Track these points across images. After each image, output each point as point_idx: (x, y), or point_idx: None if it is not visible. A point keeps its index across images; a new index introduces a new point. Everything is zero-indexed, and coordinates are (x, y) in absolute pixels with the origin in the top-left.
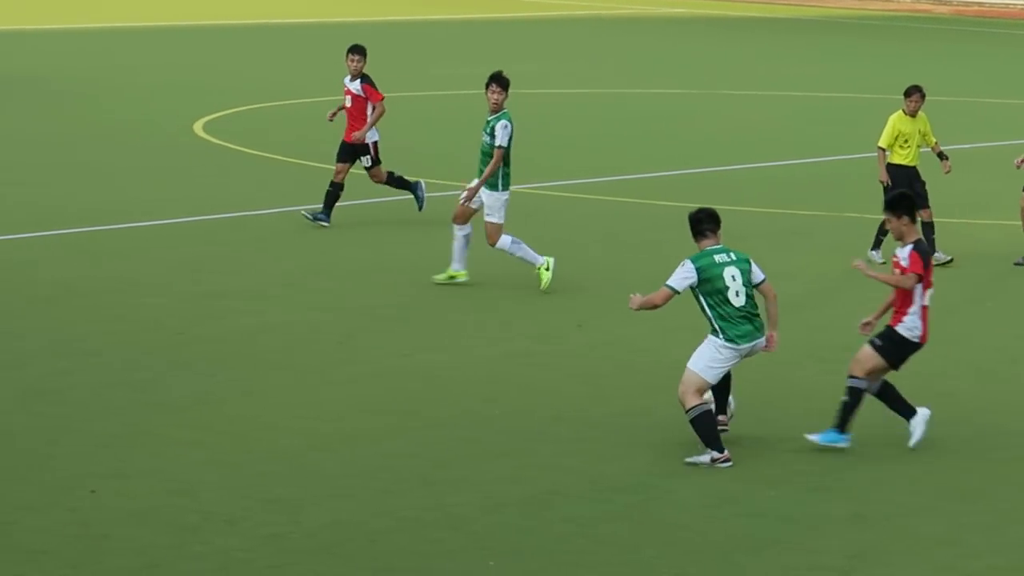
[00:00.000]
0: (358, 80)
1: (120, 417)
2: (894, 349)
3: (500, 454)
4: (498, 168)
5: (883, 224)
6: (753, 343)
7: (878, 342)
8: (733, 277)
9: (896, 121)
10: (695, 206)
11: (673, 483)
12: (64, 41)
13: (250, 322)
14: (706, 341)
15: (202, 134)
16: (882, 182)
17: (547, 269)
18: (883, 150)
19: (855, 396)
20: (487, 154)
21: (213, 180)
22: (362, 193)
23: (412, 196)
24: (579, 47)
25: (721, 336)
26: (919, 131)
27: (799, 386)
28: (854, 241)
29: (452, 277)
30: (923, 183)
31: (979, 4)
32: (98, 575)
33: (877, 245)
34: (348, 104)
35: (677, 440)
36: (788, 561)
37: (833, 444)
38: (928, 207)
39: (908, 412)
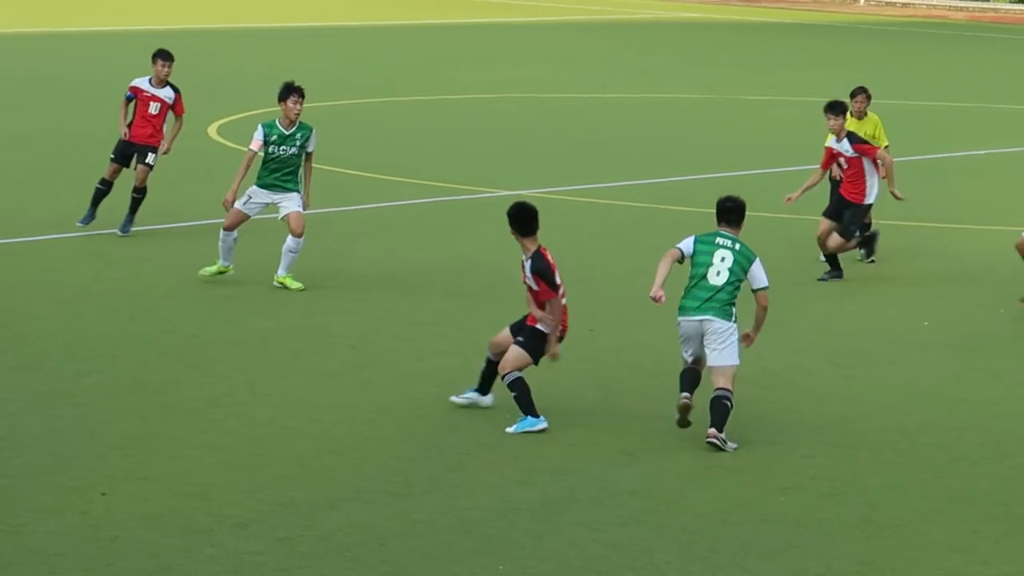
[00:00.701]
0: (168, 87)
1: (134, 420)
2: (535, 344)
3: (513, 458)
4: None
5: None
6: (701, 318)
7: (520, 339)
8: (723, 259)
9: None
10: (707, 211)
11: (686, 488)
12: (81, 43)
13: (265, 325)
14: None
15: (216, 137)
16: (834, 176)
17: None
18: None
19: (517, 387)
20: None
21: (228, 183)
22: (377, 197)
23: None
24: (584, 53)
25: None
26: (865, 132)
27: (812, 392)
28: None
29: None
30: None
31: (994, 10)
32: None
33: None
34: (154, 111)
35: (691, 445)
36: (800, 566)
37: (531, 429)
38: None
39: (484, 390)
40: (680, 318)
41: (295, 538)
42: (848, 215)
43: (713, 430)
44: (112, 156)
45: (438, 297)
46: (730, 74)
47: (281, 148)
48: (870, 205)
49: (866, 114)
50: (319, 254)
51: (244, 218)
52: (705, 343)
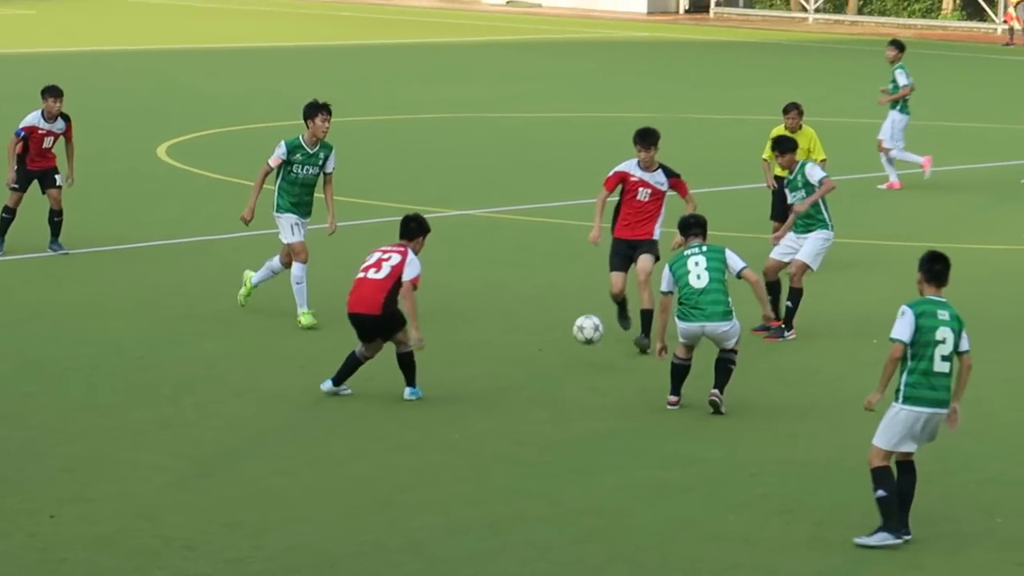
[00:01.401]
0: (60, 120)
1: (83, 442)
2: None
3: (461, 478)
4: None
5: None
6: (702, 324)
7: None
8: (696, 263)
9: (775, 135)
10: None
11: (635, 506)
12: (21, 65)
13: (214, 347)
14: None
15: (165, 158)
16: (768, 186)
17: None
18: (766, 161)
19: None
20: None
21: (177, 204)
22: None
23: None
24: (531, 71)
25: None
26: (801, 146)
27: (761, 410)
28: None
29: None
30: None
31: (942, 28)
32: None
33: None
34: (48, 144)
35: (640, 463)
36: None
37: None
38: None
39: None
40: (679, 323)
41: (244, 559)
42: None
43: (716, 390)
44: (15, 186)
45: None
46: (681, 92)
47: (304, 168)
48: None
49: (800, 127)
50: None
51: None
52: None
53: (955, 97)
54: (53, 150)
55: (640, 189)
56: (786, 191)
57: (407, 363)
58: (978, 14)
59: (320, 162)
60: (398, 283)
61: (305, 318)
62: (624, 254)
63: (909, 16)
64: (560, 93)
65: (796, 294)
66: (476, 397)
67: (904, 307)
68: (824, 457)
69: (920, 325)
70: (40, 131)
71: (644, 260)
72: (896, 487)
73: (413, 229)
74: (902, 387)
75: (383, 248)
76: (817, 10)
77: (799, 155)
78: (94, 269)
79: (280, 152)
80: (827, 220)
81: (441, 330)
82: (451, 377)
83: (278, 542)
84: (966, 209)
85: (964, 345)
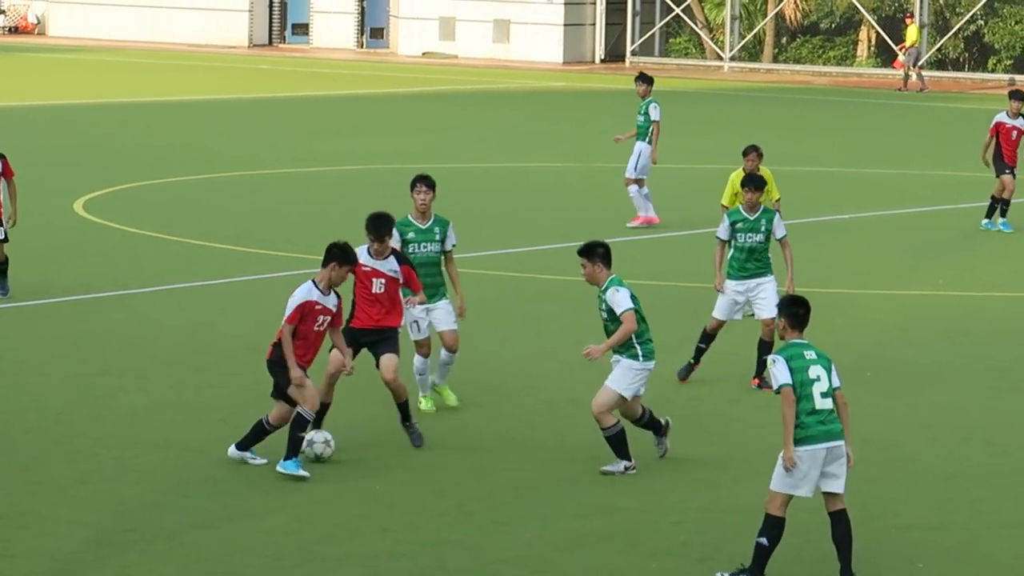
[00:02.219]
0: None
1: (2, 497)
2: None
3: (383, 529)
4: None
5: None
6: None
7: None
8: (600, 308)
9: (734, 179)
10: (571, 279)
11: (557, 556)
12: None
13: (132, 401)
14: (622, 365)
15: (82, 212)
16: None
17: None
18: (725, 207)
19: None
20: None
21: (94, 259)
22: (244, 270)
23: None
24: (462, 122)
25: (641, 357)
26: None
27: (682, 459)
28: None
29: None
30: None
31: (857, 75)
32: None
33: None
34: None
35: (560, 513)
36: None
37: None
38: None
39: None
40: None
41: None
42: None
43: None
44: None
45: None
46: (596, 141)
47: (421, 246)
48: None
49: (758, 170)
50: (186, 329)
51: (428, 339)
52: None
53: (868, 143)
54: None
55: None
56: (736, 230)
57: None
58: (892, 61)
59: (437, 238)
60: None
61: (425, 403)
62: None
63: (824, 64)
64: (477, 143)
65: (769, 347)
66: (397, 448)
67: (774, 356)
68: (744, 504)
69: (793, 367)
70: None
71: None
72: (832, 534)
73: (325, 255)
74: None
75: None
76: (732, 58)
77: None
78: (10, 325)
79: (394, 238)
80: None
81: (358, 380)
82: (371, 429)
83: None
84: (879, 255)
85: (836, 382)
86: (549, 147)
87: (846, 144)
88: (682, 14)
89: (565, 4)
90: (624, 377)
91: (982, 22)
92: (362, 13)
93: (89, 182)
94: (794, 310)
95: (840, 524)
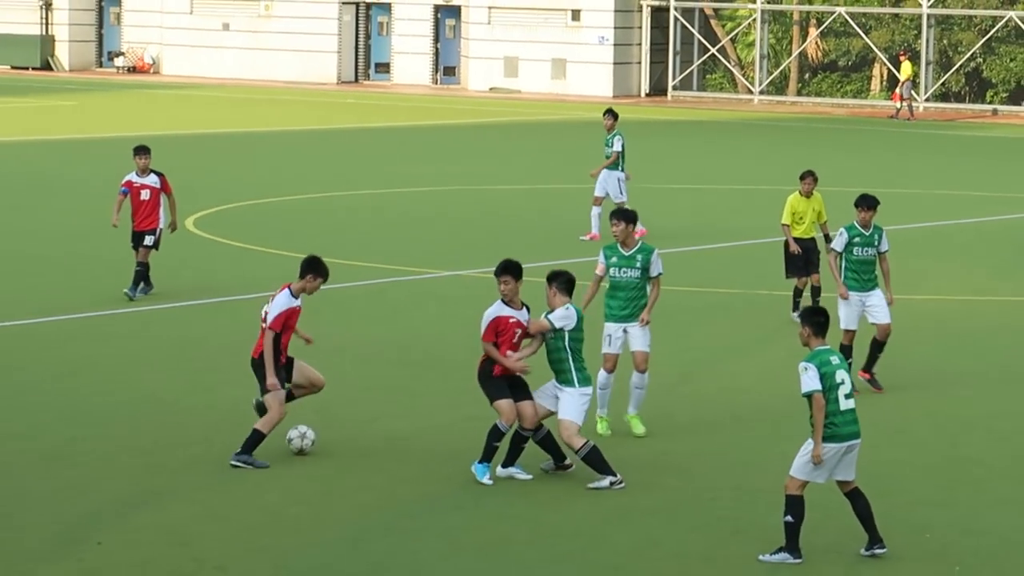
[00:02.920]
0: (152, 175)
1: (125, 479)
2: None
3: (456, 507)
4: None
5: (796, 289)
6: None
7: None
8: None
9: (792, 201)
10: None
11: (607, 529)
12: (67, 149)
13: (236, 394)
14: (567, 394)
15: (193, 229)
16: (793, 252)
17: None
18: (786, 225)
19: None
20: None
21: (202, 269)
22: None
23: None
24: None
25: (577, 384)
26: (813, 209)
27: (718, 442)
28: (766, 313)
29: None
30: (818, 252)
31: (871, 106)
32: None
33: (796, 308)
34: (146, 197)
35: (610, 491)
36: None
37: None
38: (818, 273)
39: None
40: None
41: None
42: None
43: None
44: (132, 244)
45: (388, 366)
46: (641, 164)
47: (622, 271)
48: None
49: (812, 194)
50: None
51: (615, 357)
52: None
53: (881, 165)
54: (156, 208)
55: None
56: (853, 244)
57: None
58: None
59: (638, 265)
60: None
61: (601, 424)
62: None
63: (842, 96)
64: (538, 166)
65: (882, 346)
66: (472, 437)
67: (804, 363)
68: (772, 484)
69: (823, 373)
70: (135, 184)
71: None
72: (854, 510)
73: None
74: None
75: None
76: (762, 92)
77: (809, 216)
78: (130, 327)
79: (600, 260)
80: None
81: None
82: (464, 428)
83: (296, 564)
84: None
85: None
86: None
87: (861, 166)
88: (717, 53)
89: (615, 45)
90: (572, 405)
91: (981, 59)
92: (436, 54)
93: (199, 202)
94: (816, 319)
95: (859, 500)
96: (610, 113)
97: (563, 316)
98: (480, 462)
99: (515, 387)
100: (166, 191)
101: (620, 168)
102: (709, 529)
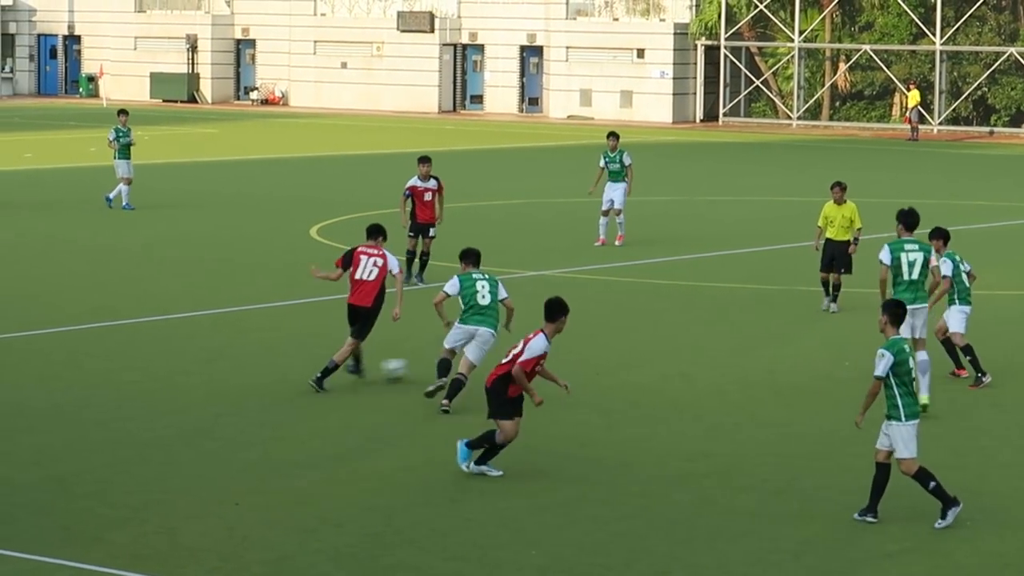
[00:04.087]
0: (433, 179)
1: (257, 449)
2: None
3: (539, 471)
4: None
5: (823, 280)
6: (476, 327)
7: None
8: (482, 286)
9: (826, 208)
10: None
11: (670, 490)
12: (209, 170)
13: (350, 378)
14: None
15: (316, 236)
16: (815, 248)
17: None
18: (820, 228)
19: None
20: None
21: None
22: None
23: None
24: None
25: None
26: (843, 215)
27: (759, 418)
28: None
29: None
30: (846, 255)
31: (892, 129)
32: (240, 565)
33: (827, 295)
34: (428, 198)
35: (672, 457)
36: (757, 547)
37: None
38: (843, 272)
39: None
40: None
41: (380, 534)
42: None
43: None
44: (410, 234)
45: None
46: (697, 180)
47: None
48: None
49: (844, 201)
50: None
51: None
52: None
53: (896, 180)
54: (435, 206)
55: None
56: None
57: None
58: (921, 119)
59: (920, 256)
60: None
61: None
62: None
63: (868, 121)
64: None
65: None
66: (562, 422)
67: (882, 350)
68: (808, 451)
69: (899, 360)
70: (419, 188)
71: None
72: (882, 480)
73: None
74: (903, 408)
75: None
76: (799, 118)
77: (839, 222)
78: (263, 320)
79: (884, 256)
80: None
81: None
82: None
83: (405, 519)
84: None
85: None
86: (662, 184)
87: (882, 179)
88: (761, 85)
89: (673, 79)
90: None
91: (986, 88)
92: (522, 87)
93: (322, 213)
94: (895, 310)
95: (886, 471)
96: (613, 135)
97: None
98: (468, 445)
99: (518, 408)
100: (440, 192)
101: (624, 180)
102: (755, 490)
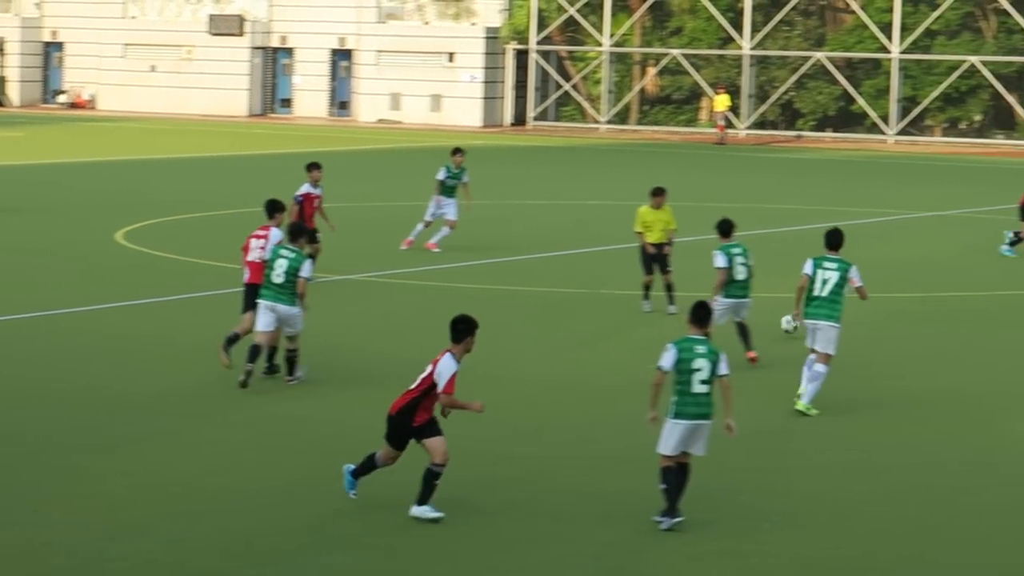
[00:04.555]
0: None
1: (63, 454)
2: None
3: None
4: None
5: (644, 285)
6: None
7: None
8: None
9: (644, 213)
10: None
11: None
12: (14, 173)
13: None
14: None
15: (122, 241)
16: (650, 252)
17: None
18: (639, 233)
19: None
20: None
21: (130, 277)
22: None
23: None
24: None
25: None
26: (661, 219)
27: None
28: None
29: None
30: (665, 256)
31: (700, 133)
32: (44, 572)
33: (646, 298)
34: (317, 204)
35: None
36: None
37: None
38: (668, 272)
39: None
40: None
41: (183, 539)
42: None
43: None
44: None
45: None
46: (505, 184)
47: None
48: None
49: (662, 206)
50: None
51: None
52: None
53: (704, 183)
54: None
55: None
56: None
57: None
58: (729, 123)
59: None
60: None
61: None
62: None
63: (676, 125)
64: (418, 187)
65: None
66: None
67: (669, 344)
68: (612, 454)
69: (681, 358)
70: (312, 195)
71: None
72: (675, 481)
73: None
74: (674, 406)
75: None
76: (608, 122)
77: (658, 225)
78: (75, 324)
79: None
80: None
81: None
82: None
83: (210, 525)
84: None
85: (722, 370)
86: (472, 188)
87: (693, 182)
88: (570, 89)
89: (484, 83)
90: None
91: (794, 93)
92: (332, 90)
93: (128, 217)
94: (696, 311)
95: (684, 473)
96: (459, 151)
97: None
98: (420, 504)
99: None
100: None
101: (454, 195)
102: (560, 493)
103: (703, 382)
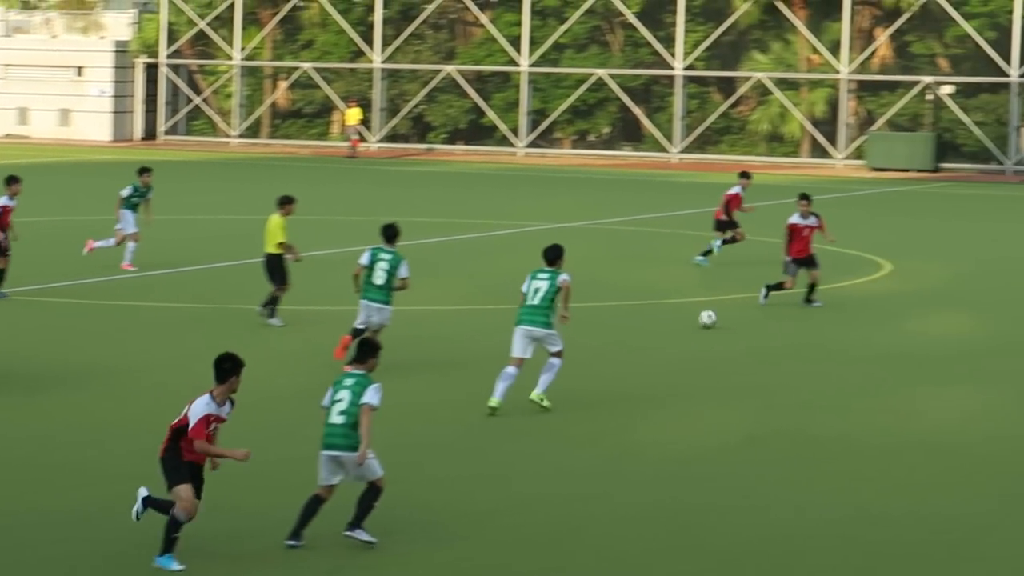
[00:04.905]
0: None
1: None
2: None
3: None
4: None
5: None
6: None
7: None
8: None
9: (283, 223)
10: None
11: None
12: None
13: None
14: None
15: None
16: (298, 259)
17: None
18: (285, 243)
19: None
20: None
21: None
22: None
23: None
24: None
25: None
26: (269, 231)
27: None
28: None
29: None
30: (284, 265)
31: (333, 147)
32: None
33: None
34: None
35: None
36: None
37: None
38: (286, 285)
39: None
40: None
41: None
42: None
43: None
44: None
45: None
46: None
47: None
48: None
49: (286, 216)
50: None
51: None
52: None
53: (335, 196)
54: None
55: None
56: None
57: None
58: (361, 136)
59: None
60: None
61: None
62: None
63: (307, 139)
64: (53, 200)
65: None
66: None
67: (341, 375)
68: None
69: (334, 388)
70: (9, 208)
71: None
72: (312, 508)
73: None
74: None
75: None
76: (240, 135)
77: (277, 236)
78: None
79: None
80: None
81: None
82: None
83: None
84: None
85: (365, 399)
86: (98, 204)
87: (323, 196)
88: (201, 103)
89: (113, 96)
90: None
91: (425, 106)
92: None
93: None
94: (361, 346)
95: (369, 493)
96: (149, 171)
97: None
98: (162, 554)
99: (196, 476)
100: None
101: (136, 209)
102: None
103: (340, 413)
